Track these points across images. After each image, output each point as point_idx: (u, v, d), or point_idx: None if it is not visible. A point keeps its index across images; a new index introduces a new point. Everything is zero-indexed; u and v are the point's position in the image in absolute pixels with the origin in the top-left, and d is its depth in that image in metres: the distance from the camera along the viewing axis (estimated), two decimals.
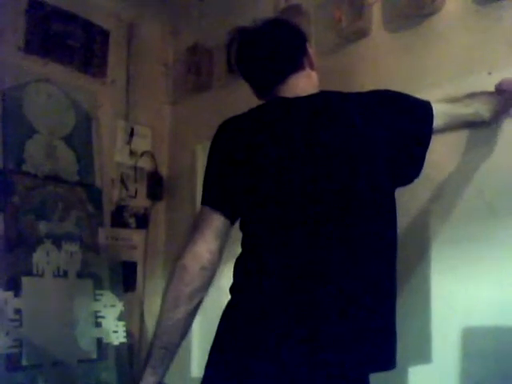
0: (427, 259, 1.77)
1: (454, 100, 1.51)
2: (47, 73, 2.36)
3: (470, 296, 1.67)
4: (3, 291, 2.10)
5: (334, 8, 2.12)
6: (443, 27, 1.89)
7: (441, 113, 1.42)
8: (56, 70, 2.39)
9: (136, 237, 2.65)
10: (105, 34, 2.60)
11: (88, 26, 2.53)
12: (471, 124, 1.56)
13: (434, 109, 1.41)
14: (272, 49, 1.41)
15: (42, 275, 2.21)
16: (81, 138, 2.45)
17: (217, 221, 1.28)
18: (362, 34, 2.08)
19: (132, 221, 2.66)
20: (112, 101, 2.60)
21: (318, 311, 1.18)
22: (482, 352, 1.63)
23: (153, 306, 2.59)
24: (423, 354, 1.73)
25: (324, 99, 1.37)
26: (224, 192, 1.30)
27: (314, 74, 1.46)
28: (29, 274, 2.18)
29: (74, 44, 2.49)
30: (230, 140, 1.36)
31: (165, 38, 2.84)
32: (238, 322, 1.24)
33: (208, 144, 2.47)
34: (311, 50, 1.48)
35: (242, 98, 2.46)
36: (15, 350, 2.09)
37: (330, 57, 2.17)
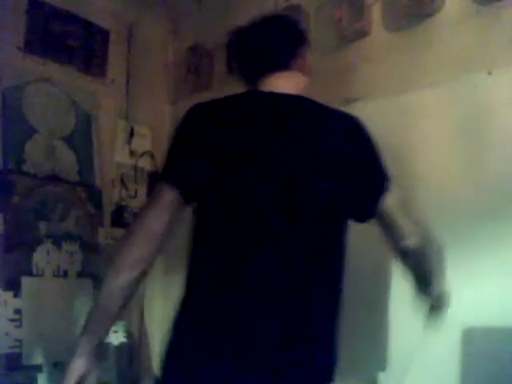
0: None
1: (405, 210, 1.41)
2: (47, 73, 2.36)
3: (470, 296, 1.66)
4: (3, 291, 2.10)
5: (334, 8, 2.12)
6: (443, 27, 1.89)
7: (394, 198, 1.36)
8: (56, 70, 2.39)
9: None
10: (105, 34, 2.60)
11: (88, 26, 2.53)
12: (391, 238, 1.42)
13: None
14: (260, 43, 1.40)
15: (42, 275, 2.21)
16: (81, 138, 2.44)
17: (172, 196, 1.25)
18: (362, 33, 2.08)
19: (132, 221, 2.66)
20: (112, 101, 2.60)
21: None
22: (482, 352, 1.63)
23: (153, 306, 2.59)
24: (423, 354, 1.73)
25: (298, 103, 1.35)
26: (185, 173, 1.27)
27: (301, 78, 1.42)
28: (29, 274, 2.18)
29: (74, 44, 2.48)
30: (200, 125, 1.31)
31: (165, 38, 2.84)
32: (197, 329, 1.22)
33: None
34: (307, 54, 1.45)
35: None
36: (15, 350, 2.09)
37: (330, 57, 2.17)
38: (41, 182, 2.27)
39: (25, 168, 2.24)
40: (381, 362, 1.84)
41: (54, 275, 2.25)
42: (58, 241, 2.28)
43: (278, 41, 1.40)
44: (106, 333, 1.32)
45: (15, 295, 2.12)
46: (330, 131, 1.32)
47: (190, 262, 1.30)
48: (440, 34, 1.89)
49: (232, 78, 2.48)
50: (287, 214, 1.23)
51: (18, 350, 2.09)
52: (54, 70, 2.39)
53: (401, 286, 1.83)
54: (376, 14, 2.06)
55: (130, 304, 1.29)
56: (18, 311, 2.11)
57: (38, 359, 2.14)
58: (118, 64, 2.64)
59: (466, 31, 1.84)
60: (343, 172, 1.29)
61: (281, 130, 1.27)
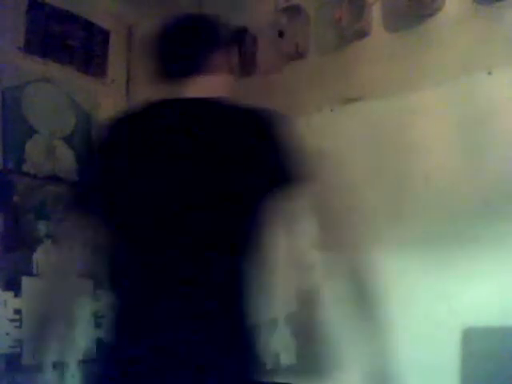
0: (427, 259, 1.77)
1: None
2: (47, 73, 2.36)
3: (469, 296, 1.67)
4: (3, 291, 2.10)
5: (334, 8, 2.12)
6: (443, 27, 1.89)
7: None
8: (56, 70, 2.39)
9: None
10: (105, 34, 2.60)
11: (88, 26, 2.53)
12: None
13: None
14: (173, 47, 1.39)
15: (42, 275, 2.21)
16: (81, 138, 2.44)
17: (84, 221, 1.32)
18: (362, 33, 2.08)
19: None
20: (112, 101, 2.59)
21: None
22: (482, 352, 1.63)
23: None
24: (423, 354, 1.73)
25: (202, 108, 1.33)
26: (99, 196, 1.31)
27: (222, 80, 1.39)
28: (29, 274, 2.18)
29: (74, 44, 2.48)
30: (112, 145, 1.33)
31: None
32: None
33: None
34: (229, 53, 1.43)
35: (241, 98, 2.47)
36: (15, 350, 2.09)
37: (330, 57, 2.17)
38: (41, 182, 2.27)
39: (25, 168, 2.24)
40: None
41: None
42: (58, 241, 2.28)
43: (192, 44, 1.37)
44: None
45: (15, 295, 2.12)
46: (230, 130, 1.29)
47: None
48: (440, 34, 1.89)
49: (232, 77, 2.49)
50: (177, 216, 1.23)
51: (18, 350, 2.09)
52: (54, 70, 2.39)
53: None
54: (376, 13, 2.06)
55: None
56: (18, 311, 2.11)
57: (38, 359, 2.14)
58: (117, 64, 2.64)
59: (466, 31, 1.84)
60: (241, 170, 1.25)
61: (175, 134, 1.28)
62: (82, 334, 2.28)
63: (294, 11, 2.26)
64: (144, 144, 1.29)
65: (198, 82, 1.35)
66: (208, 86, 1.35)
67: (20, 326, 2.11)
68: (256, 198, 1.27)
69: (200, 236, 1.23)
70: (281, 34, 2.28)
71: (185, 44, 1.36)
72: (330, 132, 2.09)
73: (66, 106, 2.42)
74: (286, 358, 2.07)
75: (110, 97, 2.59)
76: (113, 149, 1.31)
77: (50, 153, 2.32)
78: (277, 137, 1.30)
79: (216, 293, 1.23)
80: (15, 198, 2.19)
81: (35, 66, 2.33)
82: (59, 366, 2.16)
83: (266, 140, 1.29)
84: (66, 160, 2.37)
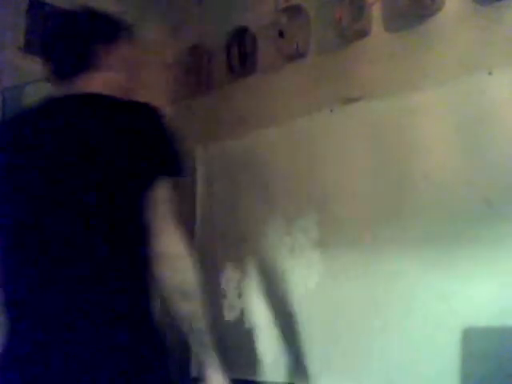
0: (427, 259, 1.77)
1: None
2: (47, 73, 2.36)
3: (469, 296, 1.67)
4: None
5: (334, 8, 2.12)
6: (443, 27, 1.89)
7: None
8: None
9: None
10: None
11: None
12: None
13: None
14: (56, 45, 1.39)
15: None
16: None
17: None
18: (362, 33, 2.08)
19: None
20: None
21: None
22: (482, 352, 1.63)
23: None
24: (423, 354, 1.73)
25: (85, 102, 1.31)
26: None
27: (103, 78, 1.36)
28: None
29: None
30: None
31: (165, 38, 2.84)
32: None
33: (208, 144, 2.48)
34: (121, 49, 1.40)
35: (241, 98, 2.47)
36: None
37: (330, 57, 2.18)
38: None
39: None
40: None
41: None
42: None
43: (74, 43, 1.35)
44: None
45: None
46: (101, 121, 1.27)
47: None
48: (440, 34, 1.89)
49: (232, 77, 2.50)
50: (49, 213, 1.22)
51: None
52: None
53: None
54: (376, 13, 2.06)
55: None
56: None
57: None
58: None
59: (466, 31, 1.84)
60: (116, 159, 1.23)
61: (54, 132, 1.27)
62: None
63: (294, 11, 2.26)
64: (27, 141, 1.28)
65: (83, 79, 1.33)
66: (90, 83, 1.33)
67: None
68: (138, 188, 1.24)
69: (85, 229, 1.19)
70: (281, 34, 2.28)
71: (67, 43, 1.36)
72: (330, 132, 2.09)
73: None
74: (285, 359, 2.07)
75: None
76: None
77: None
78: (157, 129, 1.30)
79: (101, 286, 1.19)
80: None
81: (35, 66, 2.32)
82: None
83: (146, 131, 1.28)
84: None
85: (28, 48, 2.31)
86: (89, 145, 1.24)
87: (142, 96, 2.82)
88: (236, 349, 2.18)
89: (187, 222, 2.38)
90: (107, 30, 1.39)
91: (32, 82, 2.31)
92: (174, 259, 1.27)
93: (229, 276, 2.29)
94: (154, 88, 2.78)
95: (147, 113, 1.33)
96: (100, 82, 1.34)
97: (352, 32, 2.09)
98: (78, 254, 1.20)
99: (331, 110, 2.10)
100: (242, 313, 2.21)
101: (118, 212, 1.22)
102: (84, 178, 1.22)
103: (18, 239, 1.25)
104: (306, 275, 2.05)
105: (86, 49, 1.35)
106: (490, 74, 1.73)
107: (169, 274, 1.26)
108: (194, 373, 2.32)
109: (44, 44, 1.41)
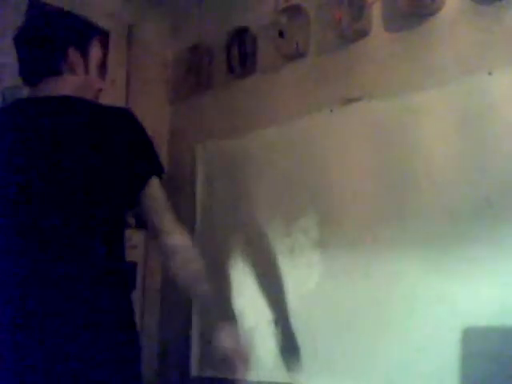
0: (427, 259, 1.77)
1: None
2: None
3: (469, 296, 1.67)
4: None
5: (334, 8, 2.12)
6: (443, 27, 1.89)
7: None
8: None
9: (136, 237, 2.64)
10: (105, 34, 2.60)
11: None
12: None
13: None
14: (28, 49, 1.39)
15: None
16: None
17: None
18: (362, 33, 2.08)
19: (132, 221, 2.65)
20: (112, 101, 2.58)
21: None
22: (482, 352, 1.63)
23: (153, 306, 2.59)
24: (424, 354, 1.73)
25: (61, 103, 1.34)
26: None
27: (75, 80, 1.38)
28: None
29: None
30: None
31: (165, 37, 2.84)
32: None
33: (208, 143, 2.48)
34: (87, 51, 1.41)
35: (241, 98, 2.47)
36: None
37: (330, 57, 2.18)
38: None
39: None
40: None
41: None
42: None
43: (43, 45, 1.37)
44: None
45: None
46: (86, 124, 1.31)
47: None
48: (440, 34, 1.89)
49: (232, 77, 2.50)
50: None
51: None
52: None
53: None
54: (376, 14, 2.06)
55: None
56: None
57: None
58: (117, 64, 2.64)
59: (466, 31, 1.84)
60: (100, 160, 1.27)
61: (36, 131, 1.29)
62: None
63: (294, 11, 2.26)
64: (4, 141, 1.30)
65: (52, 82, 1.35)
66: (62, 86, 1.35)
67: None
68: (131, 190, 1.30)
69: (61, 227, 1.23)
70: (281, 34, 2.28)
71: (33, 47, 1.37)
72: (330, 132, 2.09)
73: None
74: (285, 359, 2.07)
75: (109, 97, 2.58)
76: None
77: None
78: (139, 132, 1.35)
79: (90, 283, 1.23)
80: None
81: None
82: None
83: (131, 135, 1.33)
84: None
85: None
86: (76, 149, 1.27)
87: (142, 96, 2.84)
88: None
89: (187, 221, 2.38)
90: (79, 33, 1.40)
91: None
92: (184, 251, 1.35)
93: (229, 275, 2.29)
94: (154, 88, 2.78)
95: (127, 117, 1.36)
96: (72, 84, 1.36)
97: (352, 32, 2.09)
98: (73, 253, 1.23)
99: (331, 110, 2.10)
100: (242, 313, 2.21)
101: (110, 214, 1.29)
102: (74, 182, 1.25)
103: (9, 238, 1.26)
104: (306, 275, 2.05)
105: (58, 51, 1.36)
106: (490, 74, 1.73)
107: (182, 264, 1.34)
108: (193, 373, 2.32)
109: (16, 44, 1.41)
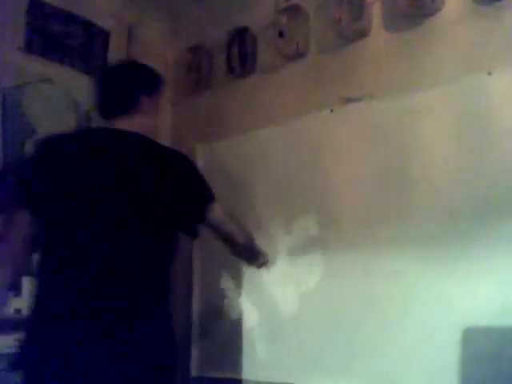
0: (426, 258, 1.77)
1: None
2: (47, 73, 2.36)
3: (468, 295, 1.67)
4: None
5: (334, 8, 2.12)
6: (443, 27, 1.89)
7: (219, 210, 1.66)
8: (56, 70, 2.39)
9: None
10: (105, 34, 2.60)
11: (88, 26, 2.53)
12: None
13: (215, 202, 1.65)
14: (106, 92, 1.66)
15: None
16: None
17: (25, 218, 1.52)
18: (362, 33, 2.08)
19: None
20: None
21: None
22: (482, 352, 1.63)
23: None
24: (423, 354, 1.73)
25: (131, 139, 1.58)
26: (35, 197, 1.53)
27: (144, 121, 1.63)
28: (29, 274, 2.17)
29: (74, 44, 2.48)
30: (46, 157, 1.56)
31: (165, 38, 2.84)
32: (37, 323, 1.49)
33: (208, 143, 2.48)
34: (155, 99, 1.67)
35: (241, 98, 2.48)
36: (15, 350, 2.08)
37: (330, 57, 2.18)
38: None
39: None
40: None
41: None
42: None
43: (120, 91, 1.64)
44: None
45: (15, 295, 2.12)
46: (153, 160, 1.56)
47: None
48: (440, 34, 1.89)
49: (232, 77, 2.50)
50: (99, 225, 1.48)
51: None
52: (53, 70, 2.38)
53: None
54: (376, 14, 2.06)
55: None
56: (18, 311, 2.11)
57: None
58: None
59: (466, 31, 1.84)
60: (166, 195, 1.53)
61: (110, 160, 1.53)
62: None
63: (294, 11, 2.27)
64: (65, 162, 1.53)
65: (124, 120, 1.61)
66: (130, 124, 1.60)
67: None
68: (173, 219, 1.57)
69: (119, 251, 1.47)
70: (281, 34, 2.28)
71: (114, 90, 1.65)
72: (330, 132, 2.09)
73: (66, 105, 2.42)
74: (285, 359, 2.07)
75: None
76: (40, 161, 1.56)
77: None
78: (191, 170, 1.64)
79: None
80: None
81: (35, 66, 2.33)
82: None
83: (192, 173, 1.63)
84: None
85: (28, 48, 2.31)
86: (142, 179, 1.52)
87: None
88: (236, 349, 2.18)
89: None
90: (149, 83, 1.69)
91: (32, 82, 2.31)
92: (241, 229, 1.78)
93: (229, 276, 2.29)
94: None
95: (186, 159, 1.66)
96: (139, 123, 1.62)
97: (352, 32, 2.09)
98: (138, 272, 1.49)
99: (331, 110, 2.11)
100: (242, 313, 2.21)
101: (170, 233, 1.58)
102: (140, 207, 1.50)
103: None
104: (306, 274, 2.05)
105: (132, 97, 1.63)
106: (489, 74, 1.73)
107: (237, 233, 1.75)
108: (194, 373, 2.32)
109: (98, 83, 1.68)
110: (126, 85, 1.65)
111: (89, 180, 1.50)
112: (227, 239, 1.74)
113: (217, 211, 1.65)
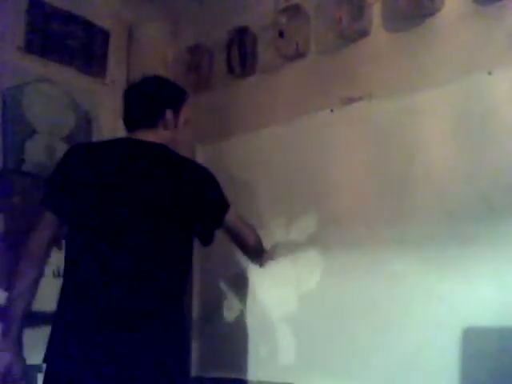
0: (427, 259, 1.77)
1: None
2: (47, 73, 2.36)
3: (469, 296, 1.67)
4: (3, 291, 2.09)
5: (334, 8, 2.12)
6: (443, 27, 1.89)
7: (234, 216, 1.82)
8: (56, 70, 2.39)
9: None
10: (105, 34, 2.60)
11: (88, 26, 2.53)
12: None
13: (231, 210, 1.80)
14: (132, 106, 1.75)
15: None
16: (81, 138, 2.44)
17: (51, 218, 1.63)
18: (362, 33, 2.08)
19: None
20: (112, 101, 2.59)
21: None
22: (482, 352, 1.63)
23: None
24: (423, 354, 1.73)
25: (156, 150, 1.69)
26: (60, 200, 1.65)
27: (166, 134, 1.73)
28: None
29: (74, 44, 2.48)
30: (75, 163, 1.66)
31: (165, 37, 2.83)
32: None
33: (208, 144, 2.49)
34: (179, 113, 1.76)
35: (241, 98, 2.47)
36: None
37: (330, 57, 2.18)
38: (41, 182, 2.26)
39: (25, 168, 2.24)
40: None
41: (54, 276, 2.24)
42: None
43: (146, 105, 1.74)
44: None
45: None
46: (176, 172, 1.69)
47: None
48: (440, 34, 1.89)
49: (232, 77, 2.50)
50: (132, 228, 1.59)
51: None
52: (54, 69, 2.39)
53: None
54: (376, 14, 2.06)
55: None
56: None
57: (38, 359, 2.13)
58: (117, 64, 2.64)
59: (466, 31, 1.84)
60: (185, 204, 1.65)
61: (136, 169, 1.65)
62: None
63: (294, 11, 2.27)
64: (97, 169, 1.63)
65: (149, 132, 1.71)
66: (153, 136, 1.70)
67: None
68: (192, 223, 1.69)
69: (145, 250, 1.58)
70: (281, 34, 2.28)
71: (141, 104, 1.74)
72: (330, 132, 2.09)
73: (66, 105, 2.42)
74: (285, 359, 2.07)
75: (109, 97, 2.59)
76: (72, 167, 1.64)
77: (50, 153, 2.32)
78: (212, 182, 1.75)
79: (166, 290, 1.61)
80: (15, 198, 2.19)
81: (35, 66, 2.33)
82: None
83: (212, 184, 1.75)
84: None
85: (28, 48, 2.31)
86: (166, 188, 1.64)
87: None
88: (236, 349, 2.18)
89: None
90: (175, 97, 1.78)
91: (32, 82, 2.32)
92: (252, 231, 1.94)
93: (228, 276, 2.29)
94: None
95: (207, 171, 1.77)
96: (163, 136, 1.72)
97: (352, 32, 2.09)
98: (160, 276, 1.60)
99: (331, 110, 2.11)
100: (242, 313, 2.22)
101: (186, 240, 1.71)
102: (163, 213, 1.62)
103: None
104: (307, 274, 2.05)
105: (158, 111, 1.73)
106: (489, 74, 1.73)
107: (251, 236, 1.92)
108: (194, 373, 2.32)
109: (125, 97, 1.77)
110: (153, 99, 1.74)
111: (120, 190, 1.60)
112: (240, 241, 1.88)
113: (232, 215, 1.79)
